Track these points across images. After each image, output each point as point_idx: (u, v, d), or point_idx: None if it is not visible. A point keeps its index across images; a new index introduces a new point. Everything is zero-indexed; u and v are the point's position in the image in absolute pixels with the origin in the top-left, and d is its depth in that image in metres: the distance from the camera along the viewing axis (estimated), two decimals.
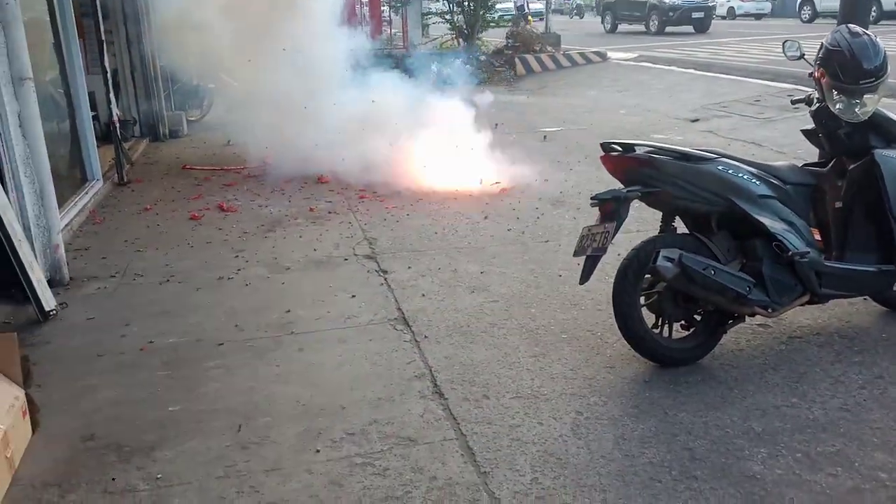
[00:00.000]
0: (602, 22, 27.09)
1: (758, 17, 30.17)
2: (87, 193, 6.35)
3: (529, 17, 24.32)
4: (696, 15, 23.41)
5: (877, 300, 3.95)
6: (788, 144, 7.97)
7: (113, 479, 2.71)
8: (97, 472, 2.76)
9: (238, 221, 5.89)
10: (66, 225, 5.49)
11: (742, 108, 10.45)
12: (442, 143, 7.07)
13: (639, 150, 3.41)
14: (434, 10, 18.35)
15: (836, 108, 3.53)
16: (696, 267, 3.21)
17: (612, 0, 26.43)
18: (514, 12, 24.57)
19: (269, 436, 2.94)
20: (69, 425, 3.06)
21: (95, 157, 6.72)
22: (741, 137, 8.74)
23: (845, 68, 3.43)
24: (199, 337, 3.86)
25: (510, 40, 16.68)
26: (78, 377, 3.46)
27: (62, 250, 4.69)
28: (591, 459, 2.75)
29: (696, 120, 10.07)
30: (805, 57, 4.00)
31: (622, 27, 26.11)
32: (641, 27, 24.79)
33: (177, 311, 4.19)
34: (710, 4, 24.35)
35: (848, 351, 3.54)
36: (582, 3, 39.72)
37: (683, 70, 14.29)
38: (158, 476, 2.73)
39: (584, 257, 3.37)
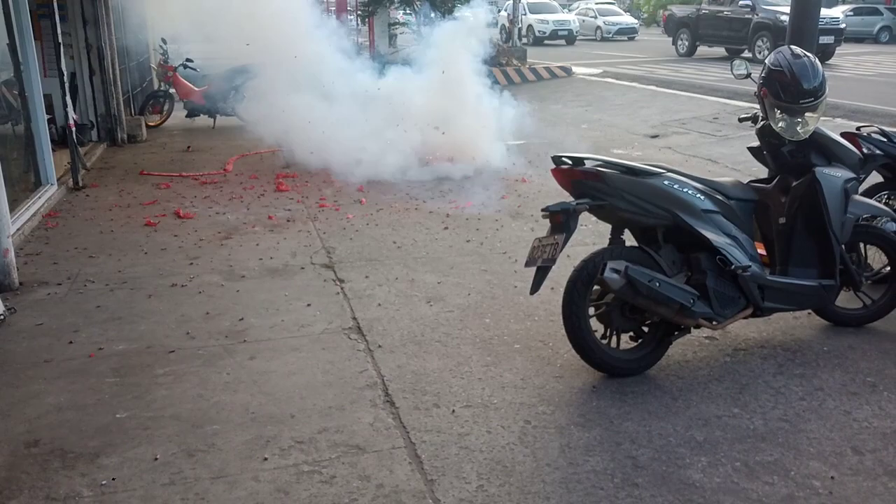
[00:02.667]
0: (674, 43, 21.95)
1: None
2: (40, 198, 6.24)
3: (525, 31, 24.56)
4: (824, 39, 17.19)
5: (820, 314, 4.07)
6: (743, 161, 8.15)
7: (54, 486, 2.67)
8: (40, 479, 2.71)
9: (194, 228, 5.84)
10: (18, 229, 5.39)
11: (700, 125, 10.68)
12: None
13: (588, 164, 3.48)
14: (401, 21, 18.42)
15: (779, 126, 3.66)
16: (641, 279, 3.29)
17: (691, 15, 21.15)
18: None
19: (216, 443, 2.93)
20: (13, 431, 3.01)
21: (50, 161, 6.61)
22: (699, 154, 8.94)
23: (786, 88, 3.57)
24: (150, 344, 3.82)
25: None
26: (24, 383, 3.41)
27: (12, 255, 4.60)
28: (537, 467, 2.79)
29: (656, 136, 10.27)
30: (752, 76, 4.13)
31: (703, 49, 21.02)
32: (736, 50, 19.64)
33: (128, 318, 4.14)
34: (840, 26, 18.72)
35: (790, 363, 3.65)
36: (636, 20, 33.98)
37: (645, 87, 14.56)
38: (103, 483, 2.70)
39: (535, 268, 3.43)
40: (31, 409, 3.19)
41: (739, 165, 8.10)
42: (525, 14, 28.36)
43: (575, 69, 17.17)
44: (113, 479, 2.71)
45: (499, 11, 26.25)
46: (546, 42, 28.16)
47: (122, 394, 3.32)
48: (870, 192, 4.69)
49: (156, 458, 2.83)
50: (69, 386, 3.39)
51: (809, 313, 4.12)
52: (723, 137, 9.79)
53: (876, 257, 4.28)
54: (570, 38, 28.48)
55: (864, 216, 3.97)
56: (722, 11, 19.67)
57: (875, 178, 4.76)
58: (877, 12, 29.05)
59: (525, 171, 7.90)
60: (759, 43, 18.00)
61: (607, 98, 13.79)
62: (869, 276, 4.17)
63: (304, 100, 8.42)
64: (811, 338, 3.96)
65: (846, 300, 4.10)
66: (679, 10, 22.35)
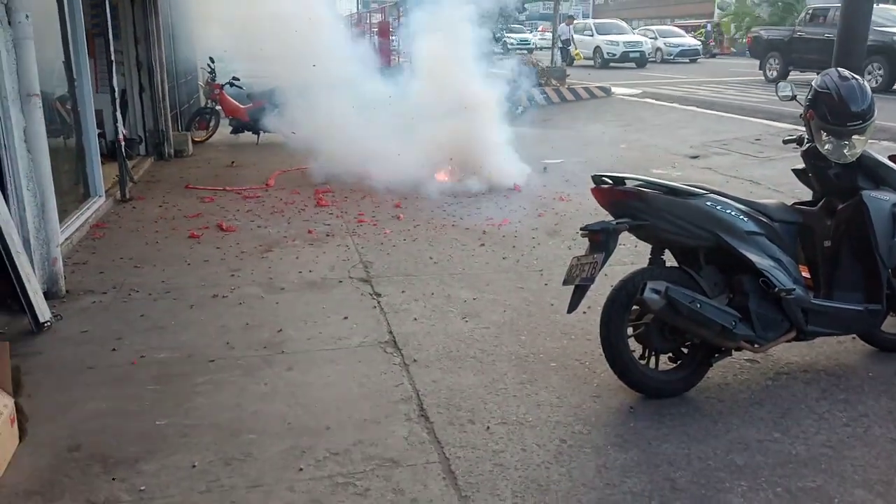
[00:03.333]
0: (762, 67, 19.79)
1: None
2: (88, 209, 6.42)
3: (577, 52, 24.27)
4: None
5: (865, 339, 3.97)
6: (786, 183, 8.01)
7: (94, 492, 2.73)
8: (81, 483, 2.77)
9: (237, 241, 5.95)
10: (67, 239, 5.55)
11: (742, 146, 10.55)
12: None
13: (629, 184, 3.46)
14: None
15: (825, 148, 3.60)
16: (682, 300, 3.25)
17: (783, 37, 19.15)
18: (552, 44, 24.47)
19: (253, 453, 2.96)
20: (56, 435, 3.08)
21: (99, 173, 6.81)
22: (740, 175, 8.82)
23: (833, 110, 3.51)
24: (191, 353, 3.89)
25: (516, 73, 16.84)
26: (67, 388, 3.49)
27: (60, 263, 4.74)
28: (573, 487, 2.76)
29: (696, 157, 10.16)
30: (797, 98, 4.08)
31: (796, 74, 18.34)
32: None
33: (170, 327, 4.23)
34: None
35: (834, 388, 3.56)
36: (698, 42, 31.82)
37: (685, 107, 14.45)
38: (142, 488, 2.74)
39: (572, 287, 3.41)
40: (74, 414, 3.26)
41: (782, 187, 7.96)
42: (592, 35, 27.90)
43: (614, 89, 17.12)
44: (150, 485, 2.76)
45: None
46: (613, 65, 26.91)
47: (162, 401, 3.38)
48: None
49: (193, 466, 2.88)
50: (111, 392, 3.46)
51: (854, 338, 4.02)
52: (765, 159, 9.65)
53: None
54: (642, 61, 27.06)
55: None
56: (822, 34, 17.04)
57: None
58: None
59: (563, 190, 7.88)
60: (870, 68, 15.65)
61: (646, 118, 13.72)
62: None
63: (343, 117, 8.57)
64: (856, 363, 3.86)
65: (892, 325, 3.99)
66: (767, 33, 20.55)
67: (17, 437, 2.98)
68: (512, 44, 31.38)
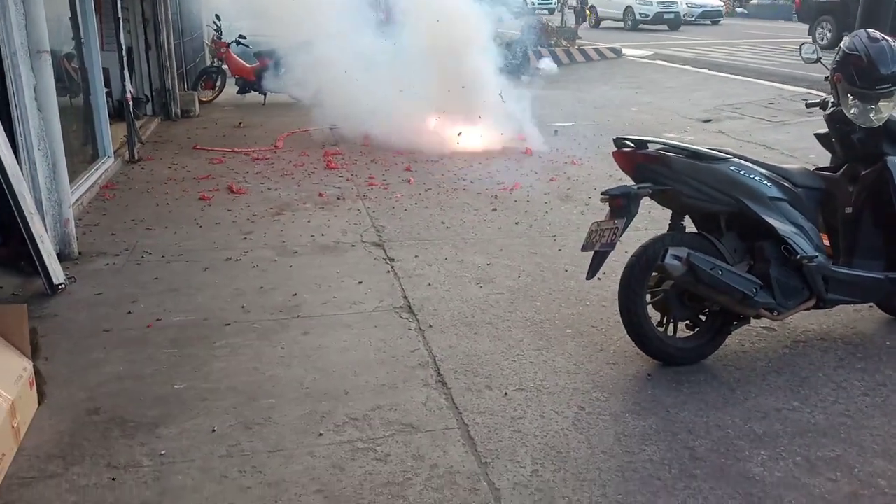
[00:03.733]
0: (811, 32, 17.51)
1: None
2: (97, 170, 6.37)
3: (588, 11, 23.46)
4: None
5: (882, 308, 3.95)
6: (800, 148, 7.93)
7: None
8: (101, 447, 2.78)
9: (247, 204, 5.91)
10: (77, 200, 5.52)
11: (755, 110, 10.41)
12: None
13: (651, 147, 3.40)
14: None
15: (851, 112, 3.52)
16: (703, 266, 3.21)
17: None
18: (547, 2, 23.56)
19: (273, 417, 2.97)
20: (75, 398, 3.09)
21: (108, 134, 6.75)
22: (753, 139, 8.71)
23: (862, 73, 3.42)
24: (206, 316, 3.88)
25: (525, 33, 16.58)
26: (85, 351, 3.49)
27: (72, 225, 4.72)
28: (592, 454, 2.76)
29: (709, 120, 10.03)
30: (822, 60, 3.98)
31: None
32: None
33: (184, 290, 4.21)
34: None
35: (851, 357, 3.55)
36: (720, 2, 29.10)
37: (697, 70, 14.24)
38: (162, 452, 2.75)
39: (592, 252, 3.37)
40: (92, 377, 3.27)
41: (796, 152, 7.86)
42: None
43: (625, 51, 16.86)
44: (170, 449, 2.77)
45: None
46: (643, 27, 24.87)
47: (179, 364, 3.38)
48: None
49: (213, 430, 2.88)
50: (128, 356, 3.46)
51: (871, 306, 3.99)
52: (779, 123, 9.52)
53: None
54: (676, 23, 25.05)
55: None
56: None
57: None
58: None
59: (574, 154, 7.79)
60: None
61: (658, 81, 13.53)
62: None
63: (349, 76, 8.46)
64: (873, 331, 3.84)
65: None
66: None
67: (36, 400, 2.99)
68: (533, 3, 29.99)
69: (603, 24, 26.45)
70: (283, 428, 2.90)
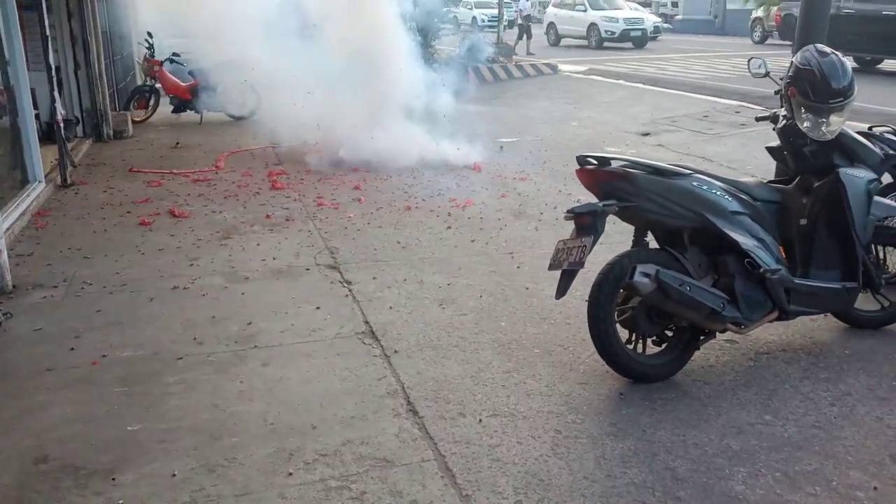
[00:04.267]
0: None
1: None
2: (28, 196, 6.03)
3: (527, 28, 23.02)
4: None
5: (838, 317, 4.03)
6: (738, 160, 8.15)
7: None
8: (52, 499, 2.57)
9: (191, 228, 5.67)
10: (8, 229, 5.19)
11: (691, 123, 10.66)
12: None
13: (614, 165, 3.40)
14: None
15: (804, 125, 3.60)
16: (672, 283, 3.21)
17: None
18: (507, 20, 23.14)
19: (237, 458, 2.80)
20: (20, 445, 2.86)
21: (38, 157, 6.39)
22: (692, 152, 8.90)
23: (815, 87, 3.50)
24: (156, 350, 3.67)
25: (464, 50, 16.67)
26: (27, 393, 3.25)
27: (4, 256, 4.42)
28: (574, 480, 2.70)
29: (647, 134, 10.22)
30: (770, 75, 4.07)
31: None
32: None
33: (130, 323, 3.99)
34: None
35: (814, 367, 3.59)
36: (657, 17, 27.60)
37: (632, 84, 14.55)
38: (120, 502, 2.56)
39: (559, 271, 3.33)
40: (38, 421, 3.03)
41: (734, 164, 8.08)
42: (585, 10, 24.14)
43: (561, 66, 17.12)
44: (128, 497, 2.58)
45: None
46: (609, 45, 23.43)
47: (132, 404, 3.18)
48: (880, 193, 4.65)
49: (174, 475, 2.70)
50: (75, 396, 3.23)
51: (826, 315, 4.07)
52: (715, 135, 9.77)
53: (892, 259, 4.25)
54: (642, 40, 23.59)
55: (881, 217, 3.92)
56: (878, 11, 14.66)
57: (884, 178, 4.72)
58: None
59: (522, 169, 7.80)
60: None
61: (594, 96, 13.75)
62: (887, 277, 4.13)
63: (289, 94, 8.31)
64: (832, 340, 3.91)
65: (862, 302, 4.04)
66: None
67: None
68: (483, 20, 29.76)
69: (564, 41, 25.13)
70: (250, 469, 2.74)
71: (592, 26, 23.88)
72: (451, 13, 17.61)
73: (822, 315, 4.07)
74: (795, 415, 3.16)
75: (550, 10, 26.49)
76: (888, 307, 4.01)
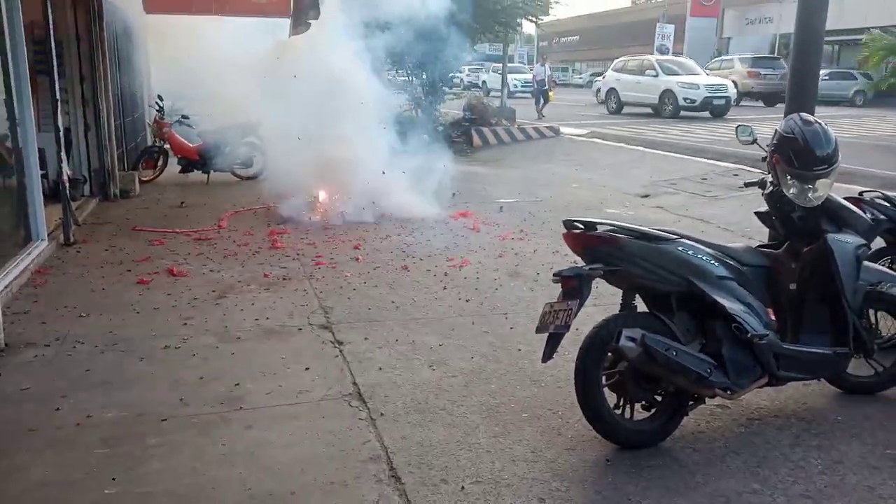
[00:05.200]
0: None
1: None
2: (29, 254, 6.09)
3: (551, 94, 22.91)
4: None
5: (831, 382, 3.98)
6: (735, 223, 8.19)
7: None
8: None
9: (188, 287, 5.71)
10: (6, 287, 5.24)
11: (690, 185, 10.75)
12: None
13: (601, 229, 3.42)
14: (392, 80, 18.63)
15: (790, 192, 3.63)
16: (658, 348, 3.19)
17: None
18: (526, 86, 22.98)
19: None
20: None
21: (42, 216, 6.48)
22: (690, 214, 8.96)
23: (799, 155, 3.54)
24: (141, 411, 3.65)
25: (467, 113, 17.01)
26: (7, 455, 3.22)
27: None
28: None
29: (647, 196, 10.31)
30: (758, 142, 4.13)
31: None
32: None
33: (118, 383, 3.97)
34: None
35: (806, 434, 3.54)
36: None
37: (633, 147, 14.73)
38: None
39: (546, 335, 3.33)
40: (14, 484, 3.00)
41: (731, 226, 8.12)
42: (657, 76, 21.69)
43: (563, 129, 17.38)
44: None
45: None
46: (685, 114, 20.62)
47: (111, 466, 3.14)
48: (873, 258, 4.65)
49: None
50: (55, 458, 3.20)
51: (820, 380, 4.02)
52: (713, 198, 9.84)
53: (884, 323, 4.22)
54: (724, 109, 20.79)
55: (873, 282, 3.91)
56: None
57: (878, 242, 4.73)
58: (851, 77, 30.10)
59: (520, 230, 7.85)
60: None
61: (596, 158, 13.92)
62: (879, 342, 4.10)
63: (295, 155, 8.48)
64: (824, 406, 3.86)
65: (856, 367, 4.00)
66: None
67: None
68: (515, 85, 29.00)
69: (626, 109, 22.93)
70: None
71: (667, 93, 21.10)
72: (472, 76, 17.95)
73: (816, 380, 4.02)
74: (784, 483, 3.10)
75: (611, 75, 23.92)
76: (882, 372, 3.97)
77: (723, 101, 20.90)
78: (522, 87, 29.22)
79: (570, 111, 23.89)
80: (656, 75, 21.91)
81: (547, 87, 21.71)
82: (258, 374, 4.10)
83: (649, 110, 22.43)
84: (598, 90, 26.47)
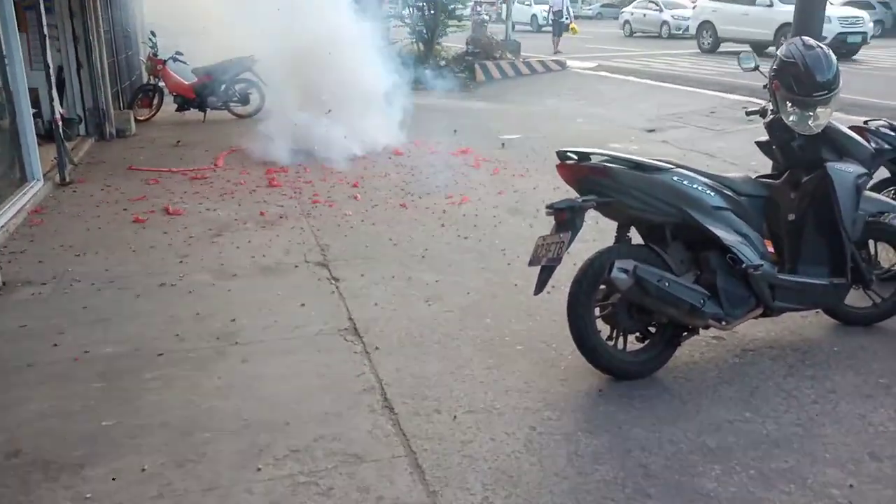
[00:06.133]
0: None
1: None
2: (25, 194, 6.06)
3: (573, 27, 22.35)
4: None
5: (828, 313, 3.97)
6: (742, 156, 8.06)
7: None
8: (20, 493, 2.58)
9: (184, 225, 5.69)
10: (2, 226, 5.24)
11: (697, 119, 10.58)
12: None
13: (594, 160, 3.36)
14: (393, 14, 18.19)
15: (790, 119, 3.54)
16: (650, 279, 3.17)
17: None
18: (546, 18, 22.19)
19: (207, 453, 2.79)
20: None
21: (36, 156, 6.43)
22: (696, 148, 8.83)
23: (799, 80, 3.44)
24: (138, 346, 3.68)
25: (470, 47, 16.65)
26: (5, 389, 3.26)
27: None
28: (544, 477, 2.67)
29: (653, 130, 10.15)
30: (759, 68, 4.01)
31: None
32: None
33: (115, 319, 3.99)
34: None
35: (800, 364, 3.54)
36: None
37: (640, 80, 14.44)
38: (88, 496, 2.56)
39: (538, 267, 3.30)
40: (13, 416, 3.04)
41: (738, 160, 7.99)
42: (771, 5, 18.04)
43: (569, 63, 17.01)
44: (97, 492, 2.58)
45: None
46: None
47: (108, 400, 3.18)
48: (876, 188, 4.58)
49: (143, 469, 2.70)
50: (53, 392, 3.24)
51: (817, 312, 4.01)
52: (720, 131, 9.69)
53: (885, 254, 4.18)
54: (857, 47, 17.77)
55: (874, 212, 3.85)
56: None
57: (881, 173, 4.64)
58: (869, 6, 29.13)
59: (522, 166, 7.76)
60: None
61: (603, 92, 13.67)
62: (878, 273, 4.07)
63: (292, 93, 8.35)
64: (821, 337, 3.85)
65: (855, 298, 3.97)
66: None
67: None
68: (545, 18, 26.93)
69: (724, 45, 19.68)
70: (219, 464, 2.73)
71: (787, 28, 16.84)
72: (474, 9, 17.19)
73: (814, 312, 4.01)
74: (776, 412, 3.11)
75: (703, 3, 20.06)
76: (880, 303, 3.95)
77: (858, 38, 17.50)
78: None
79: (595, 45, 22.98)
80: (770, 5, 17.90)
81: (564, 17, 20.83)
82: (254, 310, 4.11)
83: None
84: (626, 22, 27.21)
